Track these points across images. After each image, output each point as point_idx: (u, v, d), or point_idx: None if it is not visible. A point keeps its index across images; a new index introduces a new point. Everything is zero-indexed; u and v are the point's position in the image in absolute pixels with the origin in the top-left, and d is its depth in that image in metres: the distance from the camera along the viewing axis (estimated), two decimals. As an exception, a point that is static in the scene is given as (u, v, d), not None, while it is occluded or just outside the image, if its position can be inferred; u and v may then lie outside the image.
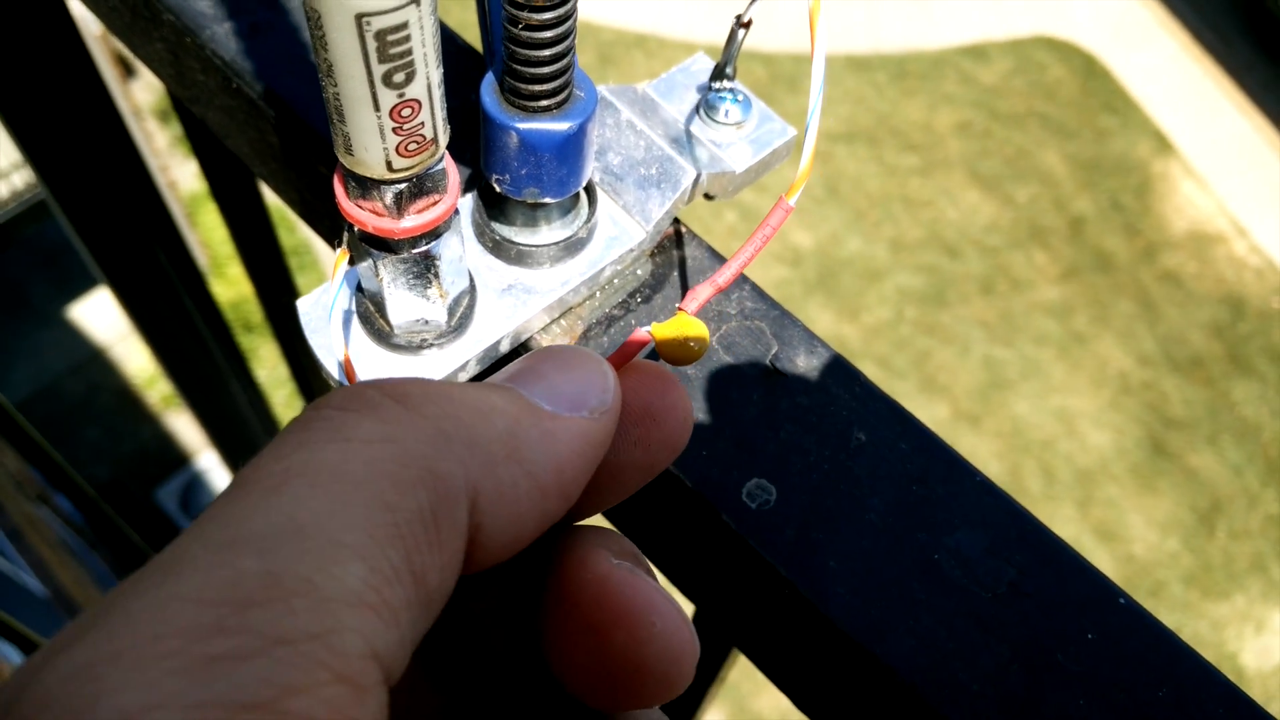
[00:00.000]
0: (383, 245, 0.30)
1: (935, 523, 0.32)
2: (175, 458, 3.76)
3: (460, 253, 0.32)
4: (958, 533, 0.32)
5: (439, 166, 0.28)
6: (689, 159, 0.37)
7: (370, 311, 0.33)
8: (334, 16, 0.23)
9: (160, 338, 1.14)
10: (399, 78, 0.25)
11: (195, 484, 3.59)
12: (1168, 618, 4.58)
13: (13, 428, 1.39)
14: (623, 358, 0.26)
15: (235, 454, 1.48)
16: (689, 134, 0.38)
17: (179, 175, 4.27)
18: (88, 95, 0.78)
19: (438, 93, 0.26)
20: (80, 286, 3.88)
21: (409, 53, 0.24)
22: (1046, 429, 5.01)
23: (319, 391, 0.92)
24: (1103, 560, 4.26)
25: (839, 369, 0.35)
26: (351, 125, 0.26)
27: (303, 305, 0.34)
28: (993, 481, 0.33)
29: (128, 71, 3.74)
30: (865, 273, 5.25)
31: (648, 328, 0.27)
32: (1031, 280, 5.39)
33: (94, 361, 3.84)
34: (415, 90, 0.25)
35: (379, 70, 0.24)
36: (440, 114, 0.27)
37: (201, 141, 0.60)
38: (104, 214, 0.92)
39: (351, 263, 0.31)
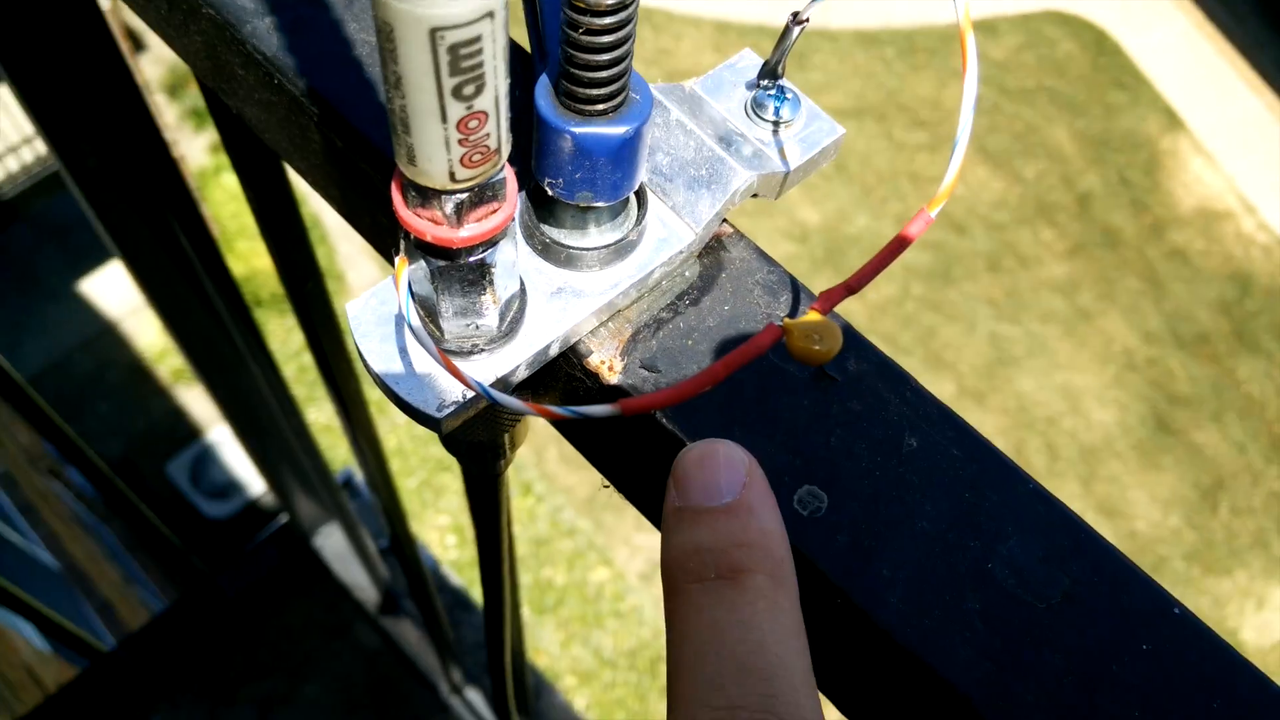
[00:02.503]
0: (439, 253, 0.30)
1: (988, 531, 0.32)
2: (186, 432, 3.77)
3: (514, 258, 0.32)
4: (1011, 541, 0.32)
5: (500, 176, 0.28)
6: (739, 159, 0.37)
7: (421, 315, 0.33)
8: (407, 30, 0.23)
9: (174, 312, 1.13)
10: (469, 90, 0.24)
11: (205, 458, 3.61)
12: (1171, 595, 4.58)
13: (25, 402, 1.39)
14: (755, 350, 0.27)
15: (248, 428, 1.49)
16: (737, 133, 0.38)
17: (188, 150, 4.26)
18: (103, 66, 0.77)
19: (504, 104, 0.26)
20: (90, 261, 3.88)
21: (480, 65, 0.24)
22: (1051, 406, 5.01)
23: (338, 370, 0.92)
24: (1106, 536, 4.27)
25: (889, 372, 0.35)
26: (417, 137, 0.25)
27: (352, 309, 0.34)
28: (1047, 489, 0.33)
29: (136, 45, 3.73)
30: (872, 249, 5.23)
31: (779, 322, 0.28)
32: (1038, 257, 5.37)
33: (104, 336, 3.85)
34: (483, 102, 0.25)
35: (449, 83, 0.24)
36: (505, 125, 0.26)
37: (225, 121, 0.60)
38: (118, 186, 0.92)
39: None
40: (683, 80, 0.39)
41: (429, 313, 0.33)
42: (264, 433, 1.45)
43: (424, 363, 0.33)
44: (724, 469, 0.28)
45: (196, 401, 3.91)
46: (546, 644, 4.24)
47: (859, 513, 0.33)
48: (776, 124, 0.38)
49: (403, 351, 0.33)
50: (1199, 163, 5.67)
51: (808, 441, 0.34)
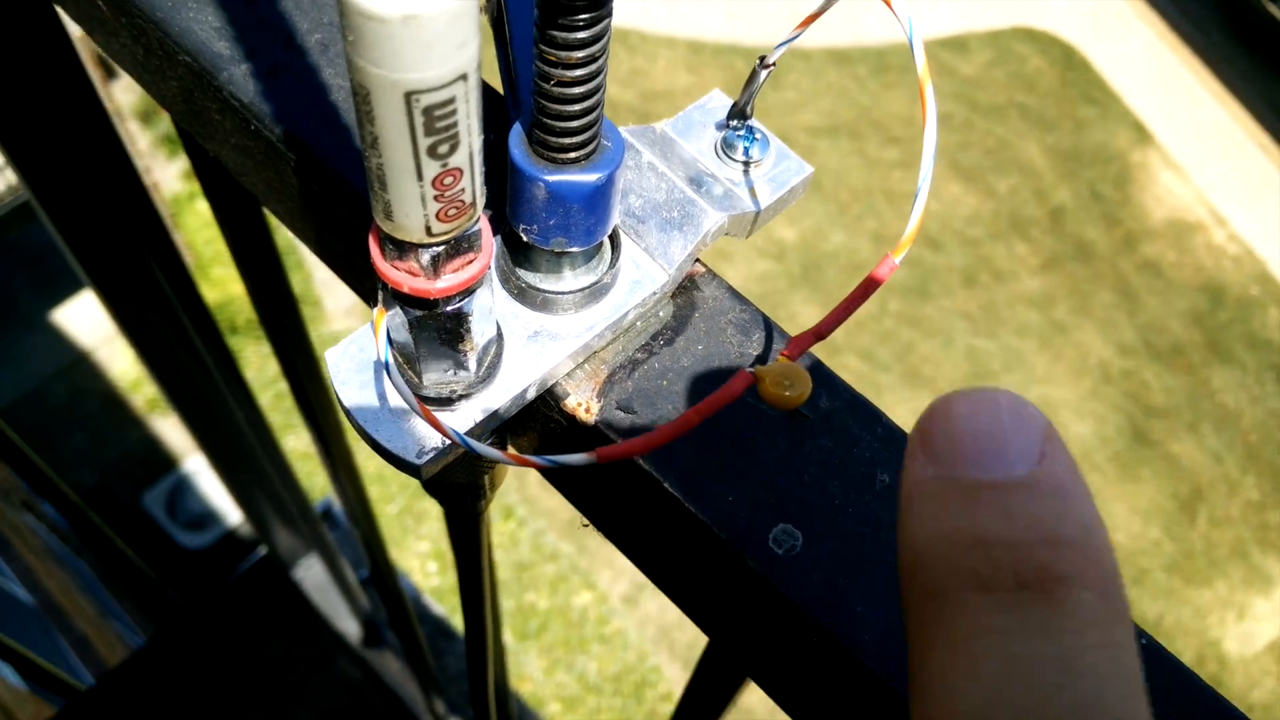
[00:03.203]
0: (417, 304, 0.30)
1: (961, 565, 0.33)
2: (161, 461, 3.74)
3: (490, 305, 0.32)
4: (984, 574, 0.33)
5: (476, 228, 0.29)
6: (709, 200, 0.38)
7: (399, 363, 0.34)
8: (383, 93, 0.23)
9: (148, 343, 1.13)
10: (443, 149, 0.25)
11: (182, 487, 3.58)
12: (1150, 606, 4.62)
13: (-2, 436, 1.38)
14: (727, 397, 0.27)
15: (223, 457, 1.48)
16: (708, 173, 0.39)
17: (162, 176, 4.24)
18: (73, 96, 0.78)
19: (478, 159, 0.26)
20: (64, 290, 3.85)
21: (454, 125, 0.24)
22: (1029, 419, 5.03)
23: (314, 397, 0.92)
24: (1087, 549, 4.28)
25: (860, 409, 0.36)
26: (393, 194, 0.26)
27: (331, 357, 0.34)
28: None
29: (109, 72, 3.72)
30: (849, 266, 5.27)
31: (752, 368, 0.28)
32: (1013, 271, 5.42)
33: (78, 366, 3.82)
34: (458, 160, 0.25)
35: (425, 143, 0.24)
36: (479, 180, 0.27)
37: (202, 162, 0.60)
38: (90, 217, 0.92)
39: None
40: (656, 98, 0.40)
41: (408, 360, 0.33)
42: (241, 464, 1.44)
43: (403, 410, 0.34)
44: (1010, 424, 0.19)
45: (172, 431, 3.88)
46: (530, 670, 4.22)
47: (833, 550, 0.33)
48: (746, 164, 0.39)
49: (382, 398, 0.34)
50: (1169, 175, 5.74)
51: (782, 479, 0.34)
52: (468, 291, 0.30)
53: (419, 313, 0.30)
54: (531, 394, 0.35)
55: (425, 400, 0.33)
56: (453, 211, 0.27)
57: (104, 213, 0.92)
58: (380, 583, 1.37)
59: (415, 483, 4.21)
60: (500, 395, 0.34)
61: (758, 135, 0.39)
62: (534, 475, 4.62)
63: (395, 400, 0.34)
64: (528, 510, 4.53)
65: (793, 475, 0.34)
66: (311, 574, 1.93)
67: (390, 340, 0.33)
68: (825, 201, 5.45)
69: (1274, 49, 5.76)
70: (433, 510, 4.49)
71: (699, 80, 5.60)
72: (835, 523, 0.33)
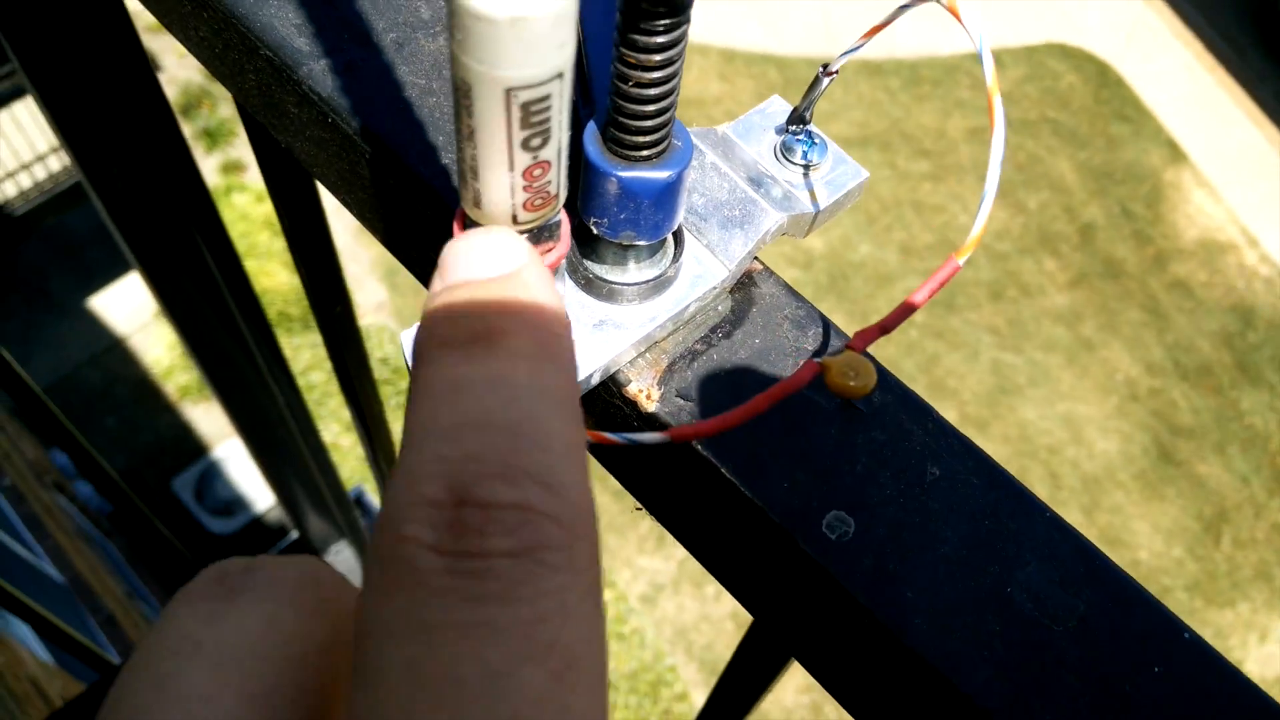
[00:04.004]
0: (497, 289, 0.32)
1: (1008, 556, 0.34)
2: (192, 448, 3.79)
3: (563, 294, 0.34)
4: (1029, 567, 0.34)
5: (557, 219, 0.30)
6: (769, 201, 0.39)
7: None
8: (484, 89, 0.25)
9: (192, 326, 1.15)
10: (536, 142, 0.26)
11: (210, 474, 3.62)
12: (1172, 626, 4.58)
13: (38, 413, 1.41)
14: (795, 384, 0.29)
15: (262, 445, 1.50)
16: (768, 175, 0.40)
17: (201, 169, 4.30)
18: (130, 77, 0.79)
19: (565, 153, 0.28)
20: (100, 278, 3.91)
21: (548, 120, 0.26)
22: (1054, 435, 5.03)
23: (362, 391, 0.94)
24: (1108, 567, 4.27)
25: (912, 404, 0.37)
26: (485, 183, 0.28)
27: (407, 338, 0.36)
28: (1062, 518, 0.35)
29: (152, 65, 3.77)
30: (875, 276, 5.27)
31: (818, 360, 0.29)
32: (1041, 286, 5.41)
33: (112, 352, 3.88)
34: (548, 153, 0.27)
35: (519, 136, 0.26)
36: (565, 173, 0.28)
37: (265, 149, 0.62)
38: (142, 199, 0.93)
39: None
40: (687, 105, 0.41)
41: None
42: (279, 449, 1.46)
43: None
44: (495, 246, 0.26)
45: (203, 418, 3.94)
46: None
47: (884, 537, 0.34)
48: (805, 167, 0.40)
49: (454, 379, 0.35)
50: (1201, 195, 5.71)
51: (835, 469, 0.36)
52: (545, 279, 0.32)
53: (498, 298, 0.32)
54: (596, 379, 0.37)
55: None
56: (539, 202, 0.28)
57: (155, 192, 0.94)
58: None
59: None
60: (567, 380, 0.36)
61: (816, 140, 0.41)
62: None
63: (467, 382, 0.35)
64: (549, 510, 4.54)
65: (846, 465, 0.36)
66: (342, 558, 1.96)
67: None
68: (854, 212, 5.45)
69: (1312, 70, 5.73)
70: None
71: (731, 89, 5.62)
72: (886, 512, 0.35)
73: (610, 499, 4.60)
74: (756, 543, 0.36)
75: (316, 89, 0.43)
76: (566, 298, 0.37)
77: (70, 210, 4.01)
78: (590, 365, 0.36)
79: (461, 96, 0.25)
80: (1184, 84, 5.94)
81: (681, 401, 0.37)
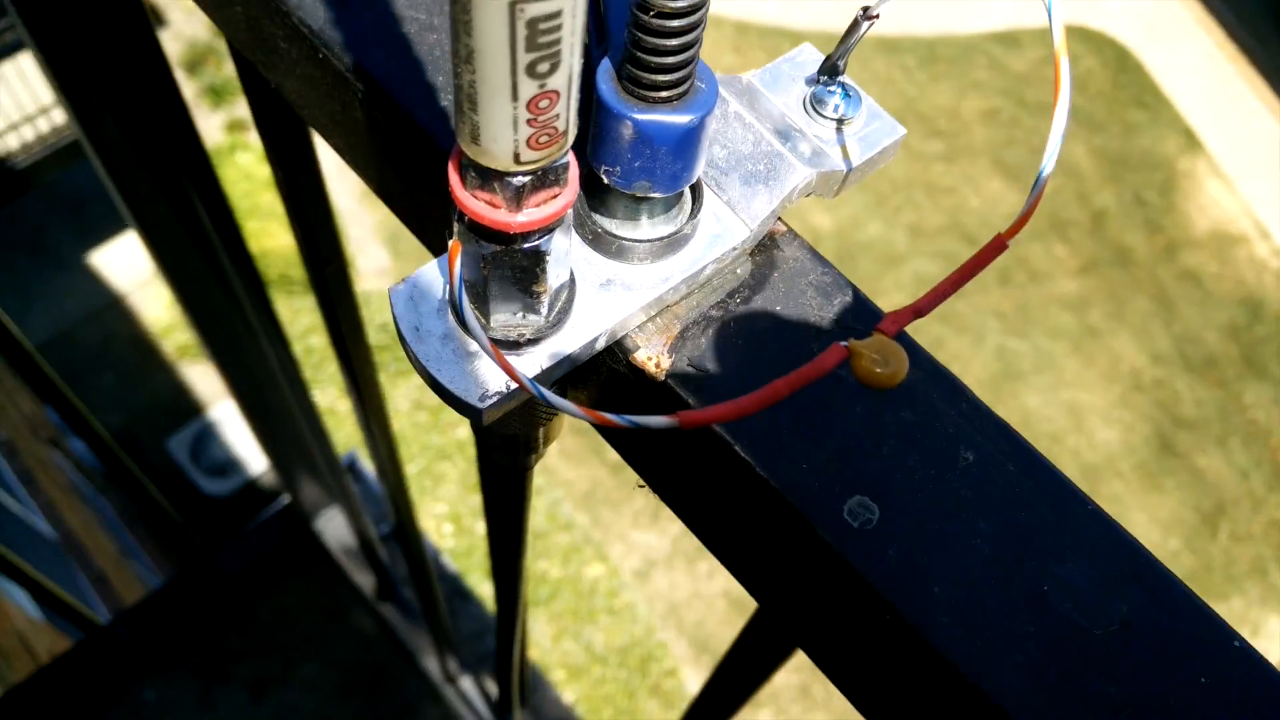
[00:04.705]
0: (494, 237, 0.29)
1: (1045, 551, 0.31)
2: (187, 408, 3.77)
3: (568, 247, 0.31)
4: (1068, 563, 0.31)
5: (564, 160, 0.27)
6: (797, 156, 0.36)
7: (469, 301, 0.32)
8: (485, 1, 0.21)
9: (187, 285, 1.12)
10: (543, 68, 0.23)
11: (206, 434, 3.60)
12: (1167, 617, 4.59)
13: (31, 370, 1.39)
14: (818, 371, 0.26)
15: (256, 407, 1.47)
16: (796, 129, 0.37)
17: (204, 127, 4.26)
18: (129, 34, 0.76)
19: (576, 84, 0.25)
20: (100, 234, 3.87)
21: (558, 42, 0.23)
22: (1056, 422, 5.00)
23: (355, 354, 0.91)
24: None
25: (944, 382, 0.34)
26: (484, 115, 0.24)
27: (395, 294, 0.33)
28: (1105, 511, 0.32)
29: (157, 20, 3.72)
30: (883, 257, 5.22)
31: (845, 344, 0.26)
32: (1050, 272, 5.36)
33: (111, 309, 3.84)
34: (557, 81, 0.24)
35: (524, 59, 0.23)
36: (575, 107, 0.25)
37: (258, 96, 0.59)
38: (138, 156, 0.91)
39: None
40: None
41: (476, 299, 0.31)
42: (272, 412, 1.44)
43: (467, 350, 0.32)
44: None
45: (200, 378, 3.90)
46: (538, 637, 4.24)
47: (911, 526, 0.31)
48: (838, 121, 0.37)
49: (445, 338, 0.32)
50: (1215, 185, 5.65)
51: (859, 451, 0.33)
52: (548, 229, 0.29)
53: (495, 248, 0.29)
54: (601, 344, 0.34)
55: (492, 343, 0.32)
56: (544, 139, 0.25)
57: (152, 154, 0.91)
58: (403, 537, 1.37)
59: (435, 446, 4.21)
60: (569, 343, 0.33)
61: (850, 92, 0.37)
62: (553, 444, 4.63)
63: (460, 340, 0.32)
64: (545, 479, 4.53)
65: (871, 446, 0.33)
66: (332, 526, 1.93)
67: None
68: (863, 191, 5.40)
69: (1333, 62, 5.66)
70: (450, 474, 4.50)
71: (744, 60, 5.56)
72: (914, 499, 0.32)
73: (607, 473, 4.58)
74: (769, 527, 0.33)
75: (308, 21, 0.39)
76: (572, 253, 0.34)
77: (72, 165, 3.97)
78: (596, 328, 0.33)
79: (460, 11, 0.22)
80: (1204, 73, 5.87)
81: (693, 371, 0.34)
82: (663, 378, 0.34)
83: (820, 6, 5.75)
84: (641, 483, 0.39)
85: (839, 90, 0.37)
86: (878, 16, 0.33)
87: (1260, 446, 5.20)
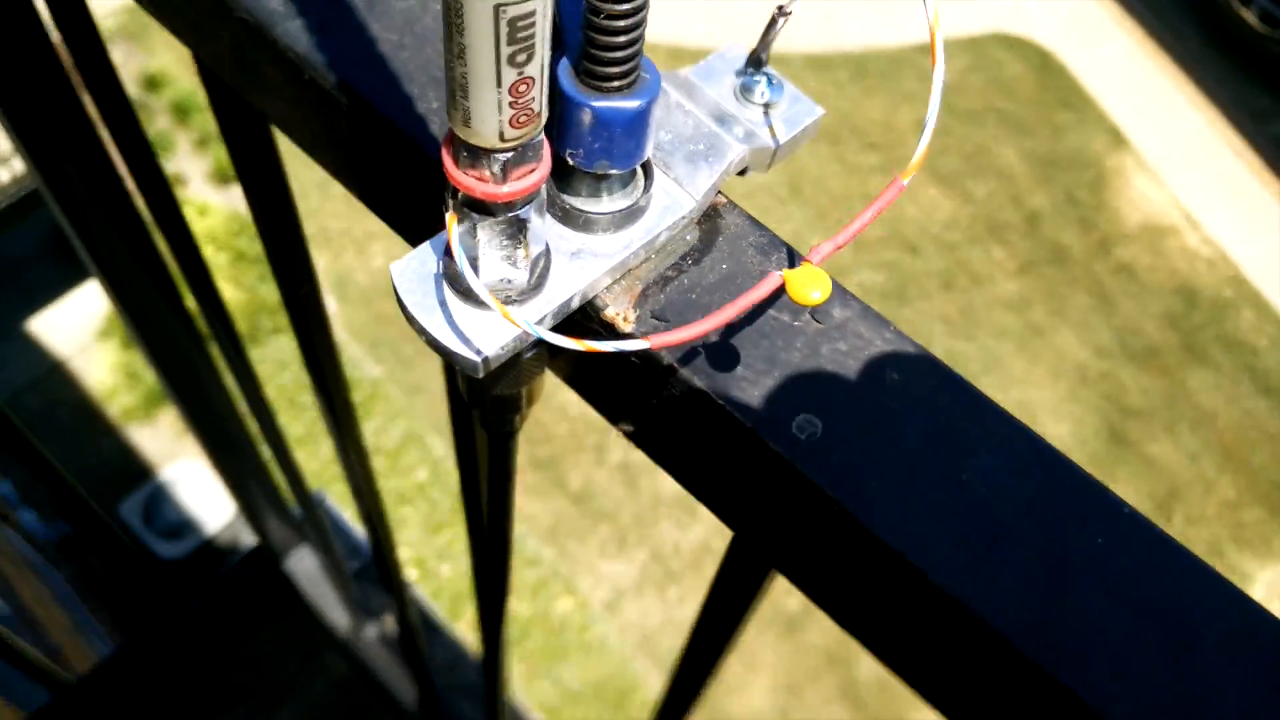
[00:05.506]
0: (484, 208, 0.34)
1: (961, 448, 0.37)
2: (137, 471, 3.74)
3: (543, 220, 0.36)
4: (982, 456, 0.37)
5: (539, 138, 0.33)
6: (732, 136, 0.42)
7: (456, 271, 0.37)
8: (475, 5, 0.27)
9: (150, 329, 1.15)
10: (521, 58, 0.29)
11: (158, 496, 3.58)
12: (1130, 601, 4.67)
13: None
14: (760, 294, 0.32)
15: (221, 449, 1.50)
16: (729, 114, 0.43)
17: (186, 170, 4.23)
18: (88, 82, 0.80)
19: (546, 72, 0.30)
20: (39, 300, 3.84)
21: (533, 36, 0.28)
22: (1008, 420, 5.10)
23: (330, 377, 0.95)
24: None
25: (870, 318, 0.40)
26: (474, 101, 0.30)
27: (396, 269, 0.38)
28: (1011, 414, 0.38)
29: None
30: (828, 270, 5.31)
31: (780, 272, 0.32)
32: (990, 275, 5.49)
33: (53, 375, 3.81)
34: (532, 69, 0.29)
35: (506, 52, 0.28)
36: (547, 90, 0.31)
37: (230, 122, 0.63)
38: (100, 199, 0.93)
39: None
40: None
41: (471, 265, 0.37)
42: (239, 453, 1.46)
43: (461, 314, 0.38)
44: None
45: (148, 440, 3.87)
46: (511, 678, 4.23)
47: (850, 436, 0.37)
48: (765, 106, 0.43)
49: (442, 304, 0.38)
50: (1143, 179, 5.83)
51: (803, 377, 0.38)
52: (529, 199, 0.34)
53: (485, 218, 0.34)
54: (575, 303, 0.39)
55: (481, 305, 0.37)
56: (523, 118, 0.31)
57: (111, 193, 0.94)
58: (380, 559, 1.40)
59: (395, 489, 4.16)
60: (549, 302, 0.38)
61: (774, 80, 0.43)
62: (515, 480, 4.64)
63: (454, 306, 0.38)
64: (513, 512, 4.52)
65: (812, 372, 0.38)
66: (304, 565, 1.95)
67: (447, 251, 0.37)
68: (805, 206, 5.50)
69: (1248, 54, 5.87)
70: (412, 517, 4.49)
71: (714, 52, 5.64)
72: (852, 413, 0.38)
73: (569, 503, 4.61)
74: (731, 450, 0.39)
75: (294, 47, 0.45)
76: (546, 230, 0.39)
77: (7, 230, 3.93)
78: (571, 289, 0.39)
79: (452, 16, 0.28)
80: (1126, 70, 6.07)
81: (656, 322, 0.39)
82: (630, 329, 0.39)
83: (749, 27, 5.87)
84: (620, 431, 0.45)
85: (764, 79, 0.43)
86: (791, 12, 0.39)
87: (1207, 430, 5.35)
